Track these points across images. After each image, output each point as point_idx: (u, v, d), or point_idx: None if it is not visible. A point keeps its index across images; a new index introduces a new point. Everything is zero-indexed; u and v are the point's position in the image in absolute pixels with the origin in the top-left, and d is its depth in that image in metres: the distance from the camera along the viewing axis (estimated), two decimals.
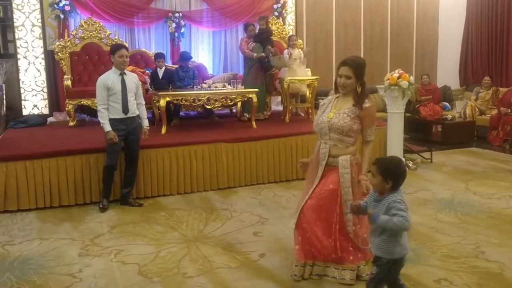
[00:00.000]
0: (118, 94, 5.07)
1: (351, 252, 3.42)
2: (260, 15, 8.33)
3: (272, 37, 7.89)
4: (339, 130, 3.36)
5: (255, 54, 7.48)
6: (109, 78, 5.09)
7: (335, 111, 3.42)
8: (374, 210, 2.74)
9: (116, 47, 5.22)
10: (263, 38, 7.61)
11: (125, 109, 5.11)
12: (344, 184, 3.36)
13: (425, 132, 8.95)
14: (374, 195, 2.83)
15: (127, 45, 6.57)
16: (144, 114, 5.39)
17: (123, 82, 5.11)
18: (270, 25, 8.74)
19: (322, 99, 3.73)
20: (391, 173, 2.69)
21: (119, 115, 5.10)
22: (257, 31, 7.77)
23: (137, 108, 5.27)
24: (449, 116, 9.05)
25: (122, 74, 5.14)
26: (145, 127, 5.37)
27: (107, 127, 5.04)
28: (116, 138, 5.06)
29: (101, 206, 5.22)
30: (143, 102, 5.41)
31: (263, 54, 7.47)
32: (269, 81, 7.83)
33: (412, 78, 6.27)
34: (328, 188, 3.39)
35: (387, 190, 2.72)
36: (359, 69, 3.39)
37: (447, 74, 11.23)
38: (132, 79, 5.24)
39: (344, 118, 3.36)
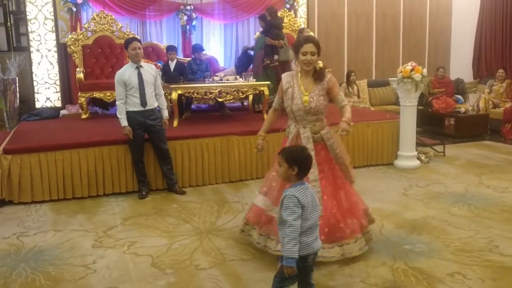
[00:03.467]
0: (136, 88, 5.11)
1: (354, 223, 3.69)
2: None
3: (275, 29, 7.63)
4: (318, 112, 3.62)
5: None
6: (125, 72, 5.14)
7: (307, 95, 3.59)
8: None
9: (129, 41, 5.27)
10: (266, 29, 7.54)
11: (143, 102, 5.16)
12: (333, 151, 3.67)
13: (437, 125, 8.91)
14: None
15: (138, 38, 6.59)
16: (163, 104, 5.43)
17: (139, 76, 5.14)
18: (281, 17, 8.69)
19: None
20: (295, 159, 2.75)
21: (138, 108, 5.16)
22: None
23: (156, 99, 5.32)
24: (462, 109, 8.98)
25: (138, 67, 5.17)
26: (164, 117, 5.41)
27: (123, 122, 5.13)
28: (131, 134, 5.14)
29: (139, 195, 5.37)
30: (162, 93, 5.45)
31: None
32: (273, 73, 7.60)
33: (425, 71, 6.23)
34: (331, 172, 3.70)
35: (293, 179, 2.77)
36: (319, 46, 3.61)
37: (460, 66, 11.13)
38: (150, 70, 5.26)
39: (319, 100, 3.59)
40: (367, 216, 3.85)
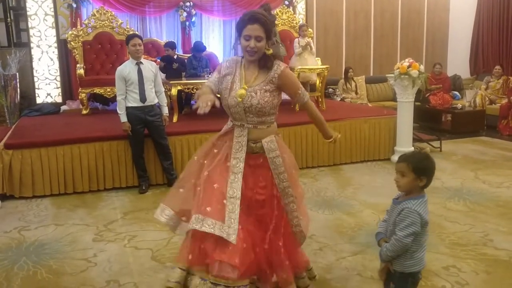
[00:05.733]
0: (135, 84, 5.18)
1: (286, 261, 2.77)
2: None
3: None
4: (260, 112, 2.65)
5: None
6: (125, 68, 5.20)
7: (246, 87, 2.65)
8: (390, 217, 2.52)
9: (129, 37, 5.35)
10: None
11: (143, 98, 5.21)
12: (276, 170, 2.72)
13: (434, 121, 8.96)
14: (398, 194, 2.55)
15: (139, 34, 6.62)
16: (163, 101, 5.48)
17: (139, 72, 5.20)
18: (280, 14, 8.72)
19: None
20: (425, 169, 2.39)
21: (137, 103, 5.22)
22: None
23: (156, 96, 5.38)
24: (459, 105, 9.05)
25: (138, 63, 5.23)
26: (164, 114, 5.47)
27: (123, 118, 5.21)
28: (129, 129, 5.21)
29: (139, 190, 5.44)
30: (162, 90, 5.51)
31: None
32: None
33: (422, 67, 6.28)
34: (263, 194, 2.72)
35: (417, 190, 2.44)
36: (271, 27, 2.67)
37: (458, 63, 11.18)
38: (150, 67, 5.32)
39: (264, 96, 2.64)
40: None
